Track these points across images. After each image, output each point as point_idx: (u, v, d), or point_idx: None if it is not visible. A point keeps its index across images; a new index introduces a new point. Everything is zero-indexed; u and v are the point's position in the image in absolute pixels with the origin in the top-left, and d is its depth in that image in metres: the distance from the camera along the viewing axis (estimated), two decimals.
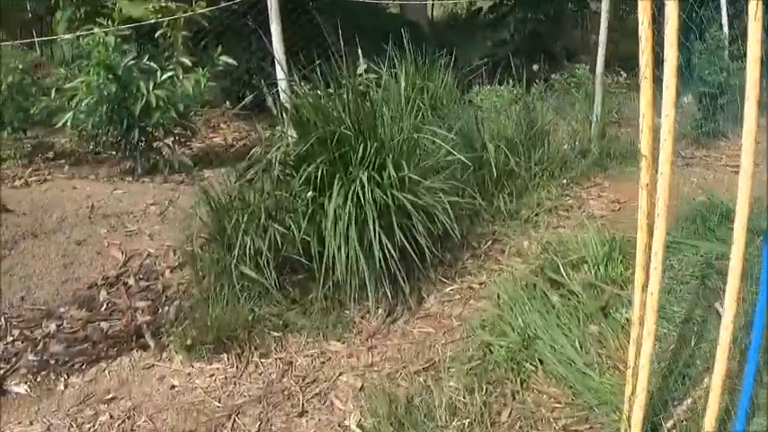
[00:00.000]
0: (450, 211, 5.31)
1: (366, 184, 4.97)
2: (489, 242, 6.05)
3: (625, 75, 9.35)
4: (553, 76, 9.41)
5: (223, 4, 8.15)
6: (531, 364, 4.28)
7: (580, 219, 6.34)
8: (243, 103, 7.87)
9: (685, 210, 6.27)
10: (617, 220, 6.34)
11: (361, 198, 4.94)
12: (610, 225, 6.14)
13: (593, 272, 5.00)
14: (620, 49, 10.46)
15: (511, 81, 9.00)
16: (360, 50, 6.92)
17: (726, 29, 9.59)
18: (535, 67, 8.89)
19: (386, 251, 4.93)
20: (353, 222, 4.91)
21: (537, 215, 6.46)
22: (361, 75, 6.70)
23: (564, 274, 4.96)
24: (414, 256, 5.12)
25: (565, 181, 7.19)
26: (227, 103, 10.44)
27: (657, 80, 2.96)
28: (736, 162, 8.77)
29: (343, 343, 4.87)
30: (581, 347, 4.30)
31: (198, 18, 8.16)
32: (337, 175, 5.08)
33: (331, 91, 5.51)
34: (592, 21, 16.23)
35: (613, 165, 7.89)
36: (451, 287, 5.45)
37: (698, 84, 9.07)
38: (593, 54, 8.59)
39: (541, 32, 12.75)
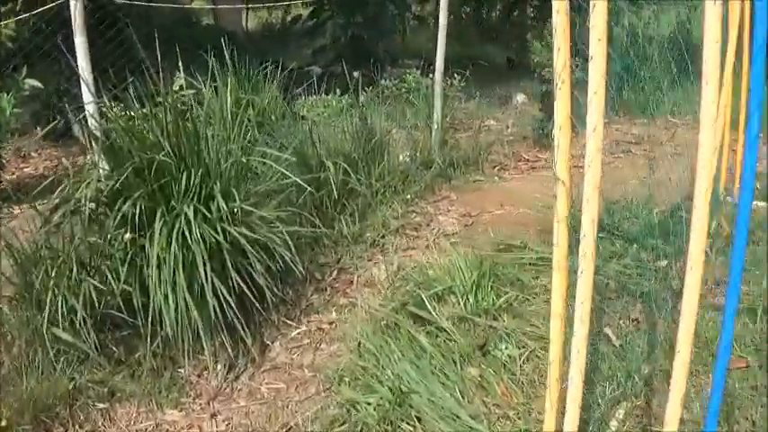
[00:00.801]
0: (289, 242, 4.90)
1: (192, 220, 4.45)
2: (334, 272, 5.69)
3: (459, 77, 9.25)
4: (383, 82, 9.20)
5: (28, 19, 7.53)
6: (407, 423, 3.86)
7: (431, 238, 6.14)
8: (46, 130, 7.25)
9: (545, 223, 6.16)
10: (471, 237, 6.15)
11: (188, 236, 4.43)
12: (465, 243, 5.97)
13: (462, 303, 4.72)
14: (450, 51, 10.43)
15: (338, 90, 8.73)
16: (176, 64, 6.43)
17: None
18: (356, 73, 8.63)
19: (220, 296, 4.46)
20: (181, 266, 4.38)
21: (383, 237, 6.15)
22: (178, 91, 6.22)
23: (430, 309, 4.64)
24: (252, 297, 4.66)
25: (409, 196, 6.90)
26: (38, 128, 9.71)
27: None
28: (580, 163, 9.02)
29: (181, 410, 4.36)
30: (462, 396, 3.96)
31: (4, 39, 7.50)
32: (159, 211, 4.54)
33: (146, 112, 5.01)
34: (420, 24, 16.32)
35: (457, 174, 7.72)
36: (298, 330, 5.05)
37: (539, 81, 9.08)
38: (430, 58, 8.45)
39: (363, 37, 12.57)
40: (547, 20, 13.87)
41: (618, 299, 4.94)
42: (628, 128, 10.60)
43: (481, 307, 4.67)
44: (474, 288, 4.78)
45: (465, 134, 8.96)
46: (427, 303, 4.68)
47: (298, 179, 5.31)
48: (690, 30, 13.53)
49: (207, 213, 4.61)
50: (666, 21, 13.45)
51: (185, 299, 4.39)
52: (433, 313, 4.61)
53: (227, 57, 6.86)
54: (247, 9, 17.31)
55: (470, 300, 4.73)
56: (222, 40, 7.10)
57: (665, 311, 4.47)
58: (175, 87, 6.23)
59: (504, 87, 11.98)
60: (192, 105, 5.69)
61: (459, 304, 4.73)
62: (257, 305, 4.73)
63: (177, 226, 4.47)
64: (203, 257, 4.41)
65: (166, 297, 4.38)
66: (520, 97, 11.42)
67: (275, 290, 4.90)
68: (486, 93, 10.51)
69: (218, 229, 4.55)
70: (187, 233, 4.45)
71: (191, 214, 4.50)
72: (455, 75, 9.24)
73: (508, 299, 4.80)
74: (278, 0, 13.15)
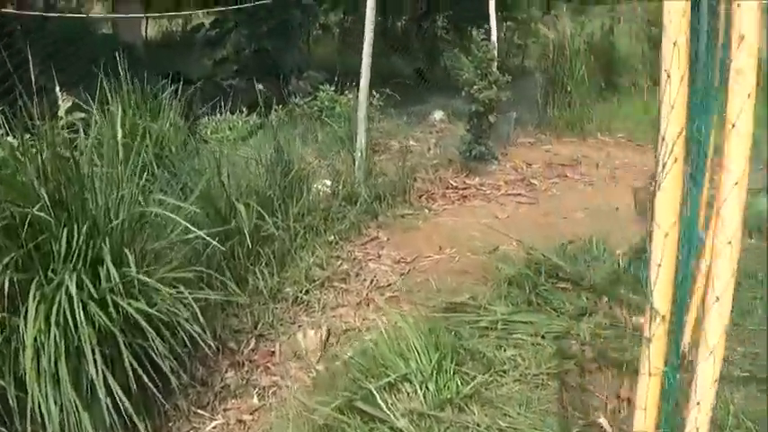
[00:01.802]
0: (197, 311, 4.02)
1: (75, 293, 3.53)
2: (252, 340, 4.82)
3: (378, 96, 8.52)
4: (294, 99, 8.42)
5: None
6: None
7: (363, 292, 5.41)
8: None
9: (492, 271, 5.59)
10: (411, 290, 5.48)
11: (70, 315, 3.50)
12: (404, 298, 5.28)
13: (420, 393, 3.91)
14: (353, 64, 9.78)
15: (245, 108, 7.92)
16: (60, 83, 5.45)
17: (494, 38, 9.07)
18: (260, 86, 7.88)
19: (115, 391, 3.59)
20: (63, 354, 3.48)
21: (307, 292, 5.33)
22: (63, 117, 5.23)
23: (381, 404, 3.81)
24: (154, 385, 3.77)
25: (332, 238, 6.15)
26: None
27: None
28: (517, 190, 8.53)
29: None
30: None
31: None
32: (35, 281, 3.60)
33: (18, 146, 4.07)
34: (325, 34, 15.54)
35: (384, 208, 7.01)
36: (213, 423, 4.13)
37: (468, 100, 8.48)
38: (342, 71, 7.76)
39: (268, 48, 11.81)
40: (462, 30, 13.43)
41: (599, 371, 4.34)
42: (557, 148, 10.09)
43: (444, 397, 3.88)
44: (434, 372, 4.00)
45: (384, 156, 8.27)
46: (378, 397, 3.86)
47: (203, 233, 4.41)
48: (613, 42, 13.32)
49: (94, 282, 3.69)
50: (589, 29, 13.12)
51: (70, 396, 3.50)
52: (386, 409, 3.79)
53: (123, 72, 6.00)
54: (147, 18, 16.34)
55: (430, 388, 3.93)
56: (118, 52, 6.20)
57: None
58: (61, 113, 5.25)
59: (419, 102, 11.36)
60: (77, 136, 4.74)
61: (416, 394, 3.93)
62: (160, 396, 3.86)
63: (58, 300, 3.56)
64: (91, 342, 3.54)
65: (47, 395, 3.46)
66: (437, 114, 10.79)
67: (182, 373, 4.05)
68: (400, 109, 9.83)
69: (109, 301, 3.66)
70: (68, 310, 3.53)
71: (73, 285, 3.58)
72: (373, 92, 8.54)
73: (475, 384, 4.06)
74: (178, 9, 12.31)
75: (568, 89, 11.35)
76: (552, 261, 5.60)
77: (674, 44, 1.64)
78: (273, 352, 4.74)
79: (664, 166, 1.73)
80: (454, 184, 8.13)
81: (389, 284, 5.60)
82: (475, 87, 8.25)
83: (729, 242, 1.67)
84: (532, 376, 4.22)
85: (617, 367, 4.33)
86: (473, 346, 4.44)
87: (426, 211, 7.31)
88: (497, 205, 7.61)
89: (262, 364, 4.64)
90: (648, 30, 13.77)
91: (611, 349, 4.54)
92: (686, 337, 3.38)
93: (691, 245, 2.29)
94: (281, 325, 4.97)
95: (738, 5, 1.52)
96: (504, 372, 4.24)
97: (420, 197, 7.63)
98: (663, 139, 1.72)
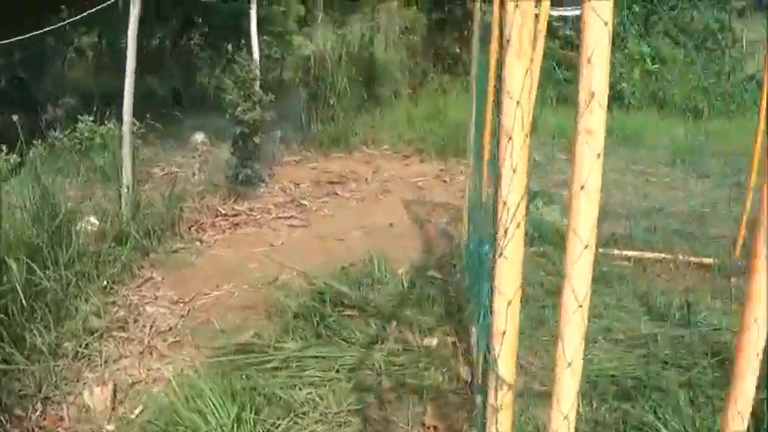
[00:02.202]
0: None
1: None
2: (39, 405, 4.38)
3: (139, 123, 8.10)
4: (54, 133, 7.88)
5: None
6: None
7: (145, 339, 5.10)
8: None
9: (275, 303, 5.50)
10: (194, 333, 5.23)
11: None
12: (186, 342, 5.04)
13: None
14: (109, 86, 9.35)
15: (3, 147, 7.33)
16: None
17: (256, 56, 8.90)
18: (15, 117, 7.34)
19: None
20: None
21: (87, 345, 4.94)
22: None
23: None
24: None
25: (105, 283, 5.77)
26: None
27: None
28: (288, 213, 8.38)
29: None
30: None
31: None
32: None
33: None
34: (79, 57, 14.76)
35: (155, 245, 6.68)
36: None
37: (232, 122, 8.27)
38: (99, 96, 7.37)
39: (23, 77, 11.12)
40: (219, 47, 13.16)
41: (400, 400, 4.30)
42: (325, 164, 10.06)
43: None
44: (234, 427, 3.78)
45: (148, 186, 7.87)
46: None
47: None
48: (373, 52, 13.42)
49: None
50: (349, 39, 13.14)
51: None
52: None
53: None
54: None
55: None
56: None
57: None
58: None
59: (178, 125, 10.91)
60: None
61: None
62: None
63: None
64: None
65: None
66: (199, 137, 10.43)
67: None
68: (159, 132, 9.40)
69: None
70: None
71: None
72: (134, 120, 8.13)
73: None
74: None
75: (331, 103, 11.36)
76: (335, 288, 5.51)
77: (518, 103, 1.55)
78: (62, 416, 4.34)
79: (506, 232, 1.64)
80: (223, 212, 7.90)
81: (170, 328, 5.32)
82: (239, 109, 8.08)
83: (580, 306, 1.60)
84: (333, 415, 4.11)
85: (417, 394, 4.30)
86: (268, 389, 4.26)
87: (198, 243, 7.05)
88: (270, 231, 7.46)
89: (53, 431, 4.25)
90: (406, 38, 14.01)
91: (407, 375, 4.50)
92: None
93: None
94: (66, 384, 4.58)
95: (589, 62, 1.44)
96: (305, 414, 4.10)
97: (190, 228, 7.35)
98: (505, 203, 1.62)
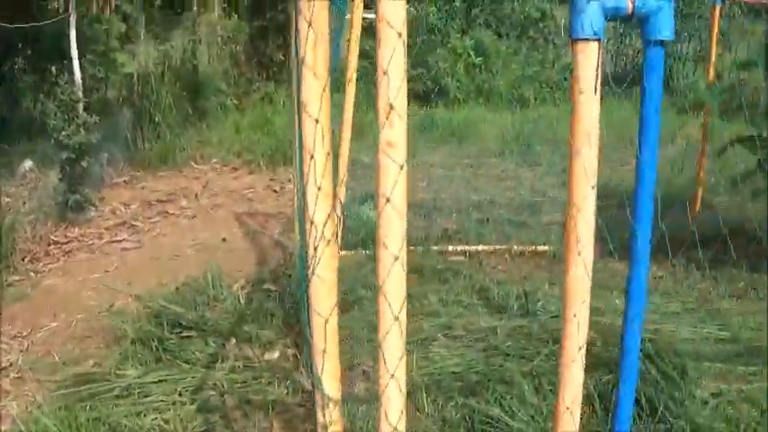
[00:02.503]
0: None
1: None
2: None
3: None
4: None
5: None
6: None
7: None
8: None
9: (113, 330, 5.36)
10: (35, 368, 5.01)
11: None
12: (27, 377, 4.91)
13: None
14: None
15: None
16: None
17: (78, 77, 8.64)
18: None
19: None
20: None
21: None
22: None
23: None
24: None
25: None
26: None
27: None
28: (120, 236, 8.15)
29: None
30: None
31: None
32: None
33: None
34: None
35: None
36: None
37: (58, 147, 8.02)
38: None
39: None
40: (43, 70, 12.64)
41: (246, 418, 4.24)
42: (154, 184, 9.86)
43: None
44: None
45: None
46: None
47: None
48: (196, 64, 13.22)
49: None
50: (171, 54, 12.89)
51: None
52: None
53: None
54: None
55: None
56: None
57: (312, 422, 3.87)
58: None
59: (5, 154, 10.41)
60: None
61: None
62: None
63: None
64: None
65: None
66: (27, 164, 10.00)
67: None
68: None
69: None
70: None
71: None
72: None
73: None
74: None
75: (157, 120, 11.14)
76: (172, 309, 5.39)
77: (317, 122, 1.53)
78: None
79: (315, 250, 1.62)
80: (56, 240, 7.63)
81: (11, 364, 5.08)
82: (63, 133, 7.84)
83: (397, 318, 1.60)
84: None
85: (262, 410, 4.26)
86: (112, 418, 4.14)
87: (33, 274, 6.77)
88: (104, 256, 7.25)
89: None
90: (229, 48, 13.86)
91: (251, 392, 4.45)
92: None
93: None
94: None
95: (386, 73, 1.43)
96: None
97: (23, 259, 7.05)
98: (312, 222, 1.60)
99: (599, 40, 1.64)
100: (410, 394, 4.28)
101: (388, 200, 1.50)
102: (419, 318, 5.33)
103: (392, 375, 1.63)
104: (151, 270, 6.72)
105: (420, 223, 7.18)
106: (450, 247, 6.58)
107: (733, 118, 6.80)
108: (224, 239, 7.46)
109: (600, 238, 5.79)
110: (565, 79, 14.29)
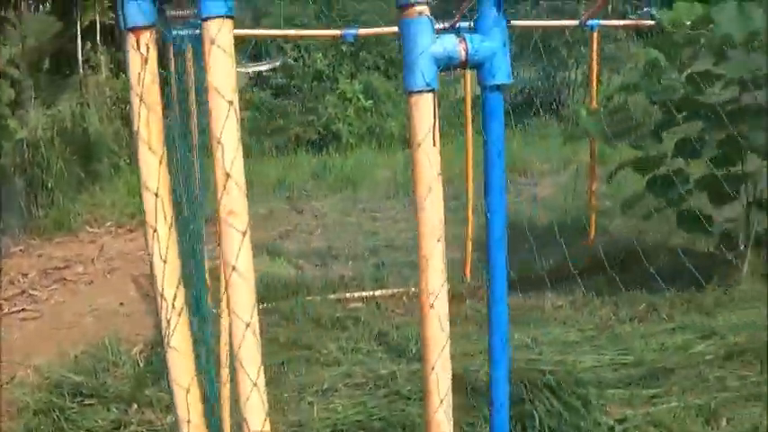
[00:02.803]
0: None
1: None
2: None
3: None
4: None
5: None
6: None
7: None
8: None
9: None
10: None
11: None
12: None
13: None
14: None
15: None
16: None
17: None
18: None
19: None
20: None
21: None
22: None
23: None
24: None
25: None
26: None
27: None
28: (20, 306, 7.95)
29: None
30: None
31: None
32: None
33: None
34: None
35: None
36: None
37: None
38: None
39: None
40: None
41: None
42: (51, 250, 9.67)
43: None
44: None
45: None
46: None
47: None
48: (86, 127, 13.03)
49: None
50: (60, 118, 12.70)
51: None
52: None
53: None
54: None
55: None
56: None
57: None
58: None
59: None
60: None
61: None
62: None
63: None
64: None
65: None
66: None
67: None
68: None
69: None
70: None
71: None
72: None
73: None
74: None
75: (50, 186, 10.96)
76: (72, 379, 5.30)
77: (156, 196, 1.52)
78: None
79: (168, 323, 1.60)
80: None
81: None
82: None
83: (255, 384, 1.59)
84: None
85: None
86: None
87: None
88: (4, 327, 7.07)
89: None
90: (118, 108, 13.71)
91: None
92: None
93: None
94: None
95: (219, 142, 1.43)
96: None
97: None
98: (162, 296, 1.59)
99: (433, 90, 1.66)
100: None
101: (233, 268, 1.49)
102: (319, 368, 5.33)
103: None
104: (51, 339, 6.60)
105: (317, 273, 7.18)
106: (348, 294, 6.58)
107: (619, 142, 6.95)
108: (121, 304, 7.36)
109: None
110: (458, 116, 14.46)
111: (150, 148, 1.52)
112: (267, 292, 6.75)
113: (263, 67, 15.21)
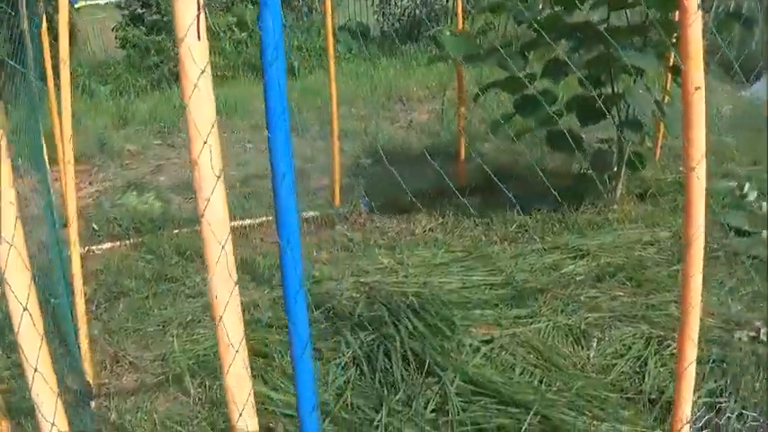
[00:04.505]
0: None
1: None
2: None
3: None
4: None
5: None
6: None
7: None
8: None
9: None
10: None
11: None
12: None
13: None
14: None
15: None
16: None
17: None
18: None
19: None
20: None
21: None
22: None
23: None
24: None
25: None
26: None
27: None
28: None
29: None
30: None
31: None
32: None
33: None
34: None
35: None
36: None
37: None
38: None
39: None
40: None
41: None
42: None
43: None
44: None
45: None
46: None
47: None
48: None
49: None
50: None
51: None
52: None
53: None
54: None
55: None
56: None
57: None
58: None
59: None
60: None
61: None
62: None
63: None
64: None
65: None
66: None
67: None
68: None
69: None
70: None
71: None
72: None
73: None
74: None
75: None
76: None
77: None
78: None
79: None
80: None
81: None
82: None
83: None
84: None
85: None
86: None
87: None
88: None
89: None
90: None
91: None
92: None
93: None
94: None
95: None
96: None
97: None
98: None
99: None
100: (177, 378, 4.13)
101: None
102: (184, 299, 5.17)
103: (35, 369, 1.43)
104: None
105: (188, 206, 6.94)
106: None
107: (483, 63, 6.79)
108: None
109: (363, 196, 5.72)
110: (338, 41, 14.19)
111: None
112: (134, 227, 6.52)
113: None
